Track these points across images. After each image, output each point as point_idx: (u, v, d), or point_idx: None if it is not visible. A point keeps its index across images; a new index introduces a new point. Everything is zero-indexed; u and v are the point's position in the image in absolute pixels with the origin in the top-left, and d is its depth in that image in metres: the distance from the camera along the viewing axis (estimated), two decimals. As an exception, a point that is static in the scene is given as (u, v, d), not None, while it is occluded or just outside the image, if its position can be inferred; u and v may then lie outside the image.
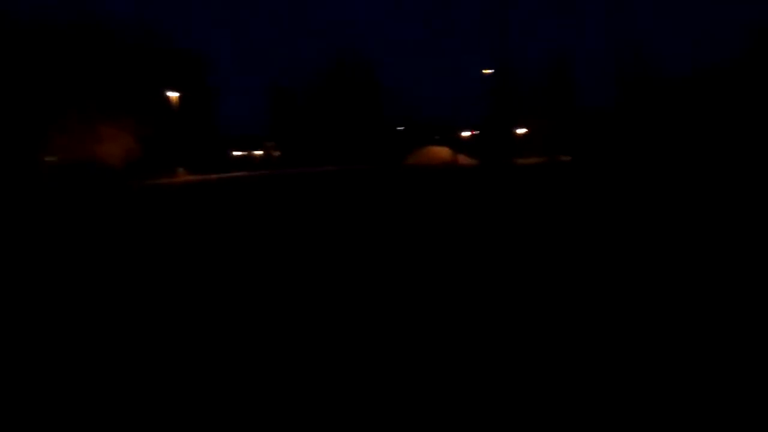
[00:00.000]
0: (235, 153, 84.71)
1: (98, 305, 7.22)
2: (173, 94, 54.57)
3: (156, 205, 26.12)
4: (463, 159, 72.45)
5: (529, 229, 12.29)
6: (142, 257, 11.24)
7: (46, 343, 5.64)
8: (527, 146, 68.14)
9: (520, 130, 72.00)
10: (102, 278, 9.16)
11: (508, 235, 11.61)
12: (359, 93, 79.97)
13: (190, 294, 7.69)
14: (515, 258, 9.09)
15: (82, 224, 18.56)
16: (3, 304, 7.52)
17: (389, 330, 5.71)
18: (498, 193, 23.55)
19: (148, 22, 59.64)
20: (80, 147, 47.49)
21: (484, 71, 70.23)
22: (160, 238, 14.05)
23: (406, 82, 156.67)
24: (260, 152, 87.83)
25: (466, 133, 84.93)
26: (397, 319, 6.06)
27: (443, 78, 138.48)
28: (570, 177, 32.13)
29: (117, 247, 12.67)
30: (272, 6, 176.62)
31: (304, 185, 33.63)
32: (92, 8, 54.87)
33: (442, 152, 76.11)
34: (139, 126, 50.63)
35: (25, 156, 48.36)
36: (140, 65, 53.84)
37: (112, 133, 49.15)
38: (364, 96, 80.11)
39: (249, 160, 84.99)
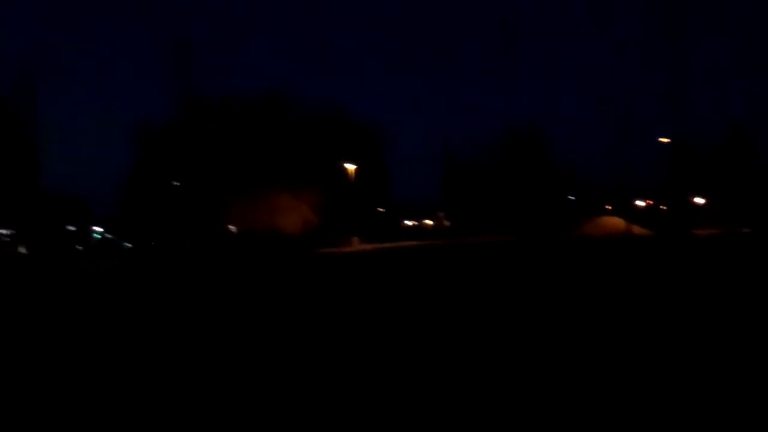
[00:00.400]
0: (406, 222, 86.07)
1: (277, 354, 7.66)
2: (350, 167, 56.40)
3: (330, 271, 26.95)
4: (637, 229, 69.88)
5: (709, 305, 11.73)
6: (318, 316, 11.74)
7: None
8: (706, 217, 65.00)
9: (699, 200, 69.04)
10: (280, 331, 9.69)
11: (685, 311, 11.13)
12: (531, 163, 79.53)
13: (366, 350, 7.96)
14: (690, 336, 8.76)
15: (264, 287, 19.46)
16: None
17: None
18: (675, 266, 22.61)
19: (328, 98, 62.41)
20: (262, 217, 49.80)
21: (660, 140, 68.26)
22: (335, 301, 14.56)
23: (578, 151, 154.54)
24: (431, 222, 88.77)
25: (640, 203, 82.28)
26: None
27: (616, 146, 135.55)
28: (752, 249, 30.34)
29: (295, 307, 13.30)
30: (446, 79, 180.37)
31: (473, 255, 33.58)
32: (276, 86, 57.94)
33: (616, 222, 73.78)
34: (318, 197, 52.58)
35: (211, 224, 51.37)
36: (320, 139, 56.22)
37: (292, 203, 51.34)
38: (536, 166, 79.58)
39: (420, 229, 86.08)
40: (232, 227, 52.90)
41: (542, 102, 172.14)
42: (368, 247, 52.86)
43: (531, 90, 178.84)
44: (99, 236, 69.12)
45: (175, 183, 53.75)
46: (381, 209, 70.65)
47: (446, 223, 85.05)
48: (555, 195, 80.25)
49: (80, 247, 61.64)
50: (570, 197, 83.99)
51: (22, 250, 53.96)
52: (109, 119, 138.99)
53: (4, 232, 52.01)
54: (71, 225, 61.48)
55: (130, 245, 62.14)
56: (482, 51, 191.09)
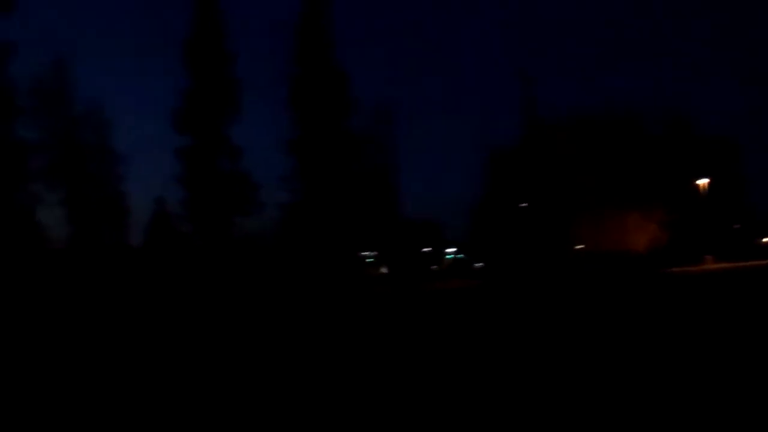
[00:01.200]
0: (764, 239, 78.92)
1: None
2: (702, 181, 53.22)
3: (682, 292, 25.50)
4: None
5: None
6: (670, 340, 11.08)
7: None
8: None
9: None
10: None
11: None
12: None
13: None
14: None
15: (611, 307, 18.96)
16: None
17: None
18: None
19: (675, 109, 59.49)
20: (609, 236, 48.62)
21: None
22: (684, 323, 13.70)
23: None
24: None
25: None
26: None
27: None
28: None
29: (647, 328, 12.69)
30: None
31: None
32: (621, 101, 56.21)
33: None
34: (666, 213, 50.06)
35: (559, 244, 51.25)
36: (668, 153, 53.66)
37: (639, 221, 49.44)
38: None
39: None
40: (579, 246, 52.29)
41: None
42: (725, 266, 49.38)
43: None
44: (451, 257, 72.30)
45: (523, 204, 54.52)
46: (736, 225, 65.67)
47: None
48: None
49: (434, 267, 65.01)
50: None
51: (384, 270, 58.21)
52: (461, 145, 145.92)
53: (368, 254, 56.35)
54: (427, 247, 64.90)
55: (480, 265, 64.17)
56: None
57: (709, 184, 53.03)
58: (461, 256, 71.63)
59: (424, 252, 64.11)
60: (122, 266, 42.33)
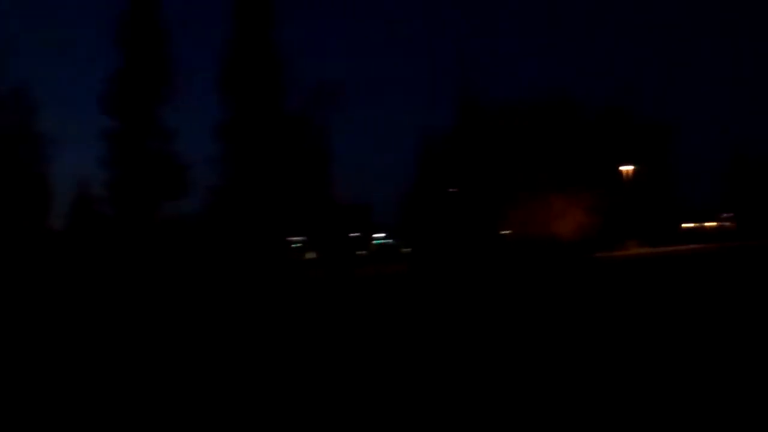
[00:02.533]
0: (684, 225, 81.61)
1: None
2: (628, 168, 54.70)
3: (602, 276, 26.48)
4: None
5: None
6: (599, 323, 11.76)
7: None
8: None
9: None
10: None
11: None
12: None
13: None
14: None
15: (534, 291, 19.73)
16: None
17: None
18: None
19: (614, 97, 60.25)
20: (538, 221, 49.45)
21: None
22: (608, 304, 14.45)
23: None
24: (713, 224, 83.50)
25: None
26: None
27: None
28: None
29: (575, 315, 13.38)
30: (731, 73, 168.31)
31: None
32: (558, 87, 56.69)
33: None
34: (596, 199, 50.91)
35: (487, 230, 51.87)
36: (600, 140, 54.59)
37: (568, 207, 50.25)
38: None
39: (699, 231, 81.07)
40: (507, 232, 53.02)
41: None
42: (645, 251, 51.17)
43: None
44: (379, 242, 72.77)
45: (452, 190, 54.82)
46: (661, 211, 67.45)
47: (729, 225, 79.60)
48: None
49: (362, 252, 65.31)
50: None
51: (311, 255, 58.13)
52: (393, 130, 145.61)
53: (296, 239, 56.12)
54: (356, 231, 64.93)
55: (408, 250, 64.75)
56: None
57: (638, 169, 54.49)
58: (389, 241, 72.13)
59: (352, 237, 64.17)
60: (41, 250, 41.52)
